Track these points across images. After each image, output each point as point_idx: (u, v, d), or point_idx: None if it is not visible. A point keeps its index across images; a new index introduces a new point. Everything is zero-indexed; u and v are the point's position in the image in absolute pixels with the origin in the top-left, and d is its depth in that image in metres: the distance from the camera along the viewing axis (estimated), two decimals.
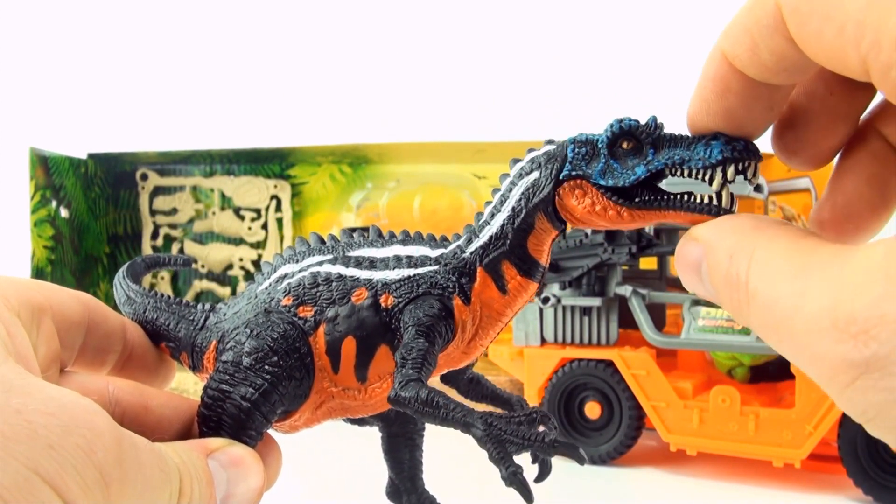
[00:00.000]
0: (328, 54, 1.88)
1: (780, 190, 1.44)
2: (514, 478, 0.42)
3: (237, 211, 1.69)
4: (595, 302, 1.18)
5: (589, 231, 1.18)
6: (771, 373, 1.16)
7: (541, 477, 0.58)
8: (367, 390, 0.51)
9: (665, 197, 0.43)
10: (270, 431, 0.51)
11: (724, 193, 0.42)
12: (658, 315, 1.23)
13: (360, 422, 0.60)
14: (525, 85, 1.80)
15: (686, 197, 0.43)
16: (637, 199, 0.44)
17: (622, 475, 1.13)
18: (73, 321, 0.49)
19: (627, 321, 1.19)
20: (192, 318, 0.56)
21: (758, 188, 1.20)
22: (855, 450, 1.01)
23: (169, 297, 0.58)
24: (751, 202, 1.37)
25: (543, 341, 1.24)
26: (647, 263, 1.33)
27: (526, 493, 0.42)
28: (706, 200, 0.42)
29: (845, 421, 1.01)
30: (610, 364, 1.17)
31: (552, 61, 1.79)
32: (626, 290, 1.16)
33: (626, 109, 0.55)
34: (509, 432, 0.42)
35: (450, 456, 1.15)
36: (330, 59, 1.88)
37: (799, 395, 1.04)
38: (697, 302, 1.12)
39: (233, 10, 1.92)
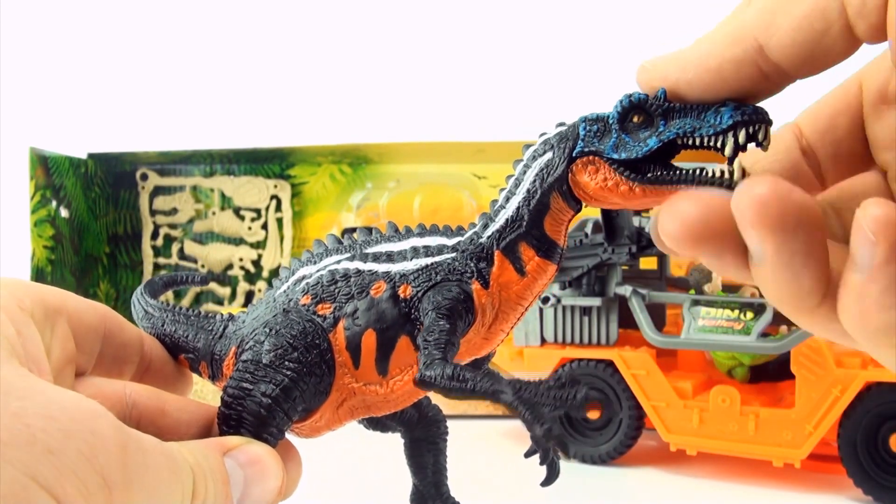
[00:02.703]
0: (328, 54, 1.88)
1: None
2: (549, 434, 0.41)
3: (237, 211, 1.69)
4: (595, 302, 1.18)
5: (589, 231, 1.18)
6: (771, 373, 1.16)
7: (548, 480, 0.58)
8: (388, 384, 0.50)
9: (676, 171, 0.43)
10: (291, 438, 0.50)
11: (735, 166, 0.42)
12: (658, 315, 1.23)
13: (383, 427, 0.59)
14: (525, 85, 1.80)
15: (698, 171, 0.43)
16: (649, 175, 0.44)
17: (622, 475, 1.13)
18: (90, 326, 0.49)
19: (627, 321, 1.19)
20: (210, 328, 0.56)
21: None
22: (855, 450, 1.00)
23: (187, 309, 0.58)
24: None
25: (543, 341, 1.24)
26: (647, 263, 1.33)
27: (563, 447, 0.42)
28: (718, 174, 0.42)
29: (845, 421, 1.01)
30: (610, 364, 1.17)
31: (552, 61, 1.79)
32: (626, 290, 1.16)
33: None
34: (539, 394, 0.42)
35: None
36: (329, 59, 1.88)
37: (799, 395, 1.04)
38: (697, 302, 1.12)
39: (232, 10, 1.92)
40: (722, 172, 0.42)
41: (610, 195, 0.46)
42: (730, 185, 0.42)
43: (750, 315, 1.07)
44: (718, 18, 0.44)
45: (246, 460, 0.44)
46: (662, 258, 1.30)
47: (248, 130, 1.79)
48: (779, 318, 1.09)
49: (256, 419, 0.47)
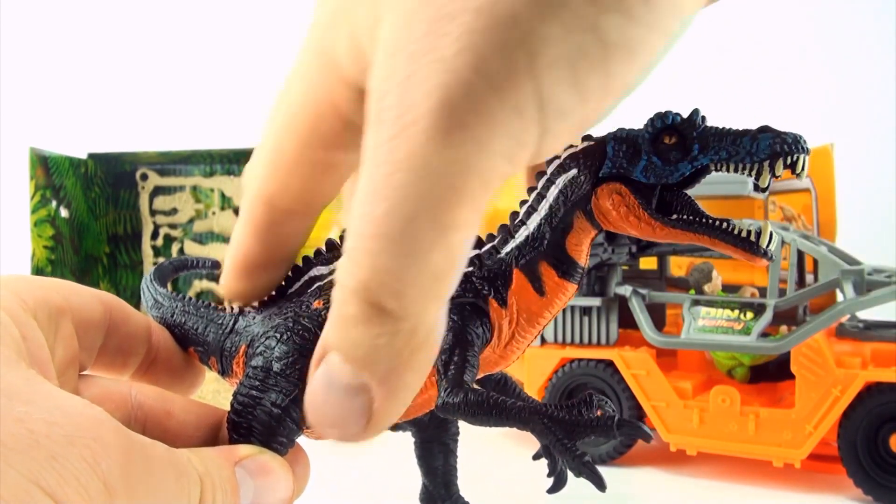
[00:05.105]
0: None
1: (781, 190, 1.44)
2: (583, 466, 0.40)
3: (237, 211, 1.69)
4: (595, 302, 1.18)
5: None
6: (771, 373, 1.16)
7: (555, 488, 0.58)
8: None
9: (703, 220, 0.42)
10: (299, 440, 0.49)
11: (763, 228, 0.41)
12: (658, 315, 1.23)
13: (393, 427, 0.58)
14: None
15: (724, 225, 0.42)
16: (674, 217, 0.43)
17: (622, 475, 1.13)
18: (93, 322, 0.48)
19: (627, 321, 1.19)
20: (220, 321, 0.54)
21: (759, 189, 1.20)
22: (855, 450, 1.00)
23: (197, 300, 0.57)
24: (751, 202, 1.37)
25: (543, 341, 1.24)
26: (647, 263, 1.33)
27: (597, 480, 0.41)
28: (744, 234, 0.41)
29: (845, 421, 1.01)
30: (610, 364, 1.17)
31: None
32: (626, 290, 1.16)
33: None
34: (570, 420, 0.41)
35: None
36: None
37: (799, 395, 1.04)
38: (697, 302, 1.12)
39: (233, 11, 1.92)
40: (749, 233, 0.41)
41: (629, 227, 0.45)
42: (755, 250, 0.41)
43: (750, 315, 1.07)
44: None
45: (257, 470, 0.43)
46: (662, 258, 1.30)
47: (248, 130, 1.79)
48: (779, 318, 1.09)
49: (266, 429, 0.46)
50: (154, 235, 1.70)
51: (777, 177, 0.40)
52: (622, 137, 0.44)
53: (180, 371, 0.55)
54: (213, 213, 1.69)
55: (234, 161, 1.68)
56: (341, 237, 0.53)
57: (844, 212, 1.39)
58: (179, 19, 1.93)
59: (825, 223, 1.39)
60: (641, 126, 0.44)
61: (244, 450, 0.44)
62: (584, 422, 0.41)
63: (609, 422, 0.41)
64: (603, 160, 0.45)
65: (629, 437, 0.42)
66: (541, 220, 0.47)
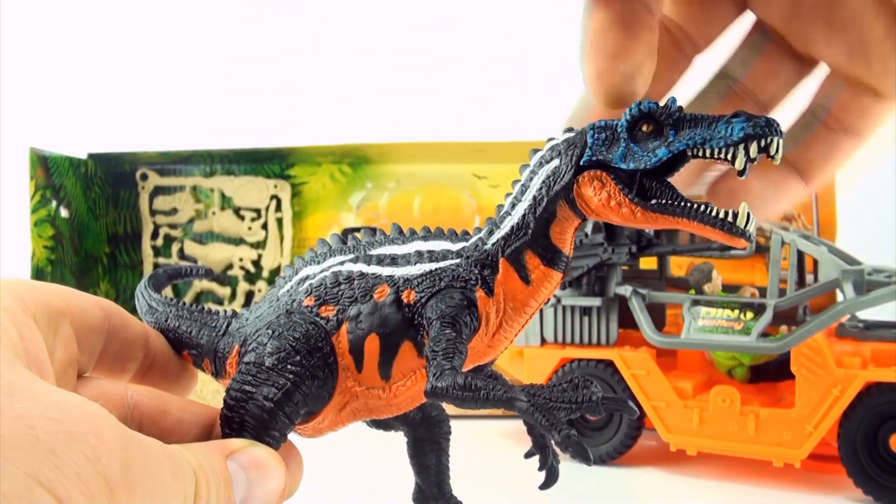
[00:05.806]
0: (328, 55, 1.88)
1: None
2: (568, 440, 0.41)
3: (237, 211, 1.69)
4: (595, 302, 1.18)
5: (589, 231, 1.18)
6: (771, 373, 1.16)
7: (547, 484, 0.58)
8: (391, 389, 0.50)
9: (682, 204, 0.43)
10: (293, 438, 0.50)
11: (741, 211, 0.42)
12: (658, 315, 1.23)
13: (386, 426, 0.59)
14: (525, 85, 1.80)
15: (703, 208, 0.43)
16: (654, 202, 0.44)
17: (622, 475, 1.13)
18: (93, 326, 0.49)
19: (627, 321, 1.19)
20: (214, 324, 0.56)
21: None
22: (855, 450, 1.00)
23: (191, 305, 0.58)
24: None
25: (543, 341, 1.24)
26: (647, 263, 1.33)
27: (584, 453, 0.41)
28: (722, 215, 0.42)
29: (845, 421, 1.01)
30: (610, 364, 1.17)
31: (553, 61, 1.79)
32: (626, 290, 1.16)
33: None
34: (555, 398, 0.42)
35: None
36: (330, 60, 1.88)
37: (799, 395, 1.04)
38: (697, 302, 1.12)
39: (233, 11, 1.92)
40: (726, 213, 0.42)
41: (610, 214, 0.45)
42: (732, 230, 0.42)
43: (750, 315, 1.07)
44: None
45: (249, 463, 0.44)
46: (662, 258, 1.30)
47: (248, 130, 1.79)
48: (779, 318, 1.09)
49: (258, 422, 0.47)
50: (154, 235, 1.70)
51: (752, 160, 0.41)
52: (601, 126, 0.45)
53: (176, 374, 0.56)
54: (213, 213, 1.69)
55: (234, 161, 1.68)
56: (346, 230, 0.53)
57: (844, 212, 1.39)
58: (179, 19, 1.93)
59: (825, 223, 1.39)
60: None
61: (235, 443, 0.45)
62: (568, 398, 0.42)
63: (593, 397, 0.42)
64: (584, 150, 0.46)
65: (613, 411, 0.42)
66: (525, 209, 0.48)
